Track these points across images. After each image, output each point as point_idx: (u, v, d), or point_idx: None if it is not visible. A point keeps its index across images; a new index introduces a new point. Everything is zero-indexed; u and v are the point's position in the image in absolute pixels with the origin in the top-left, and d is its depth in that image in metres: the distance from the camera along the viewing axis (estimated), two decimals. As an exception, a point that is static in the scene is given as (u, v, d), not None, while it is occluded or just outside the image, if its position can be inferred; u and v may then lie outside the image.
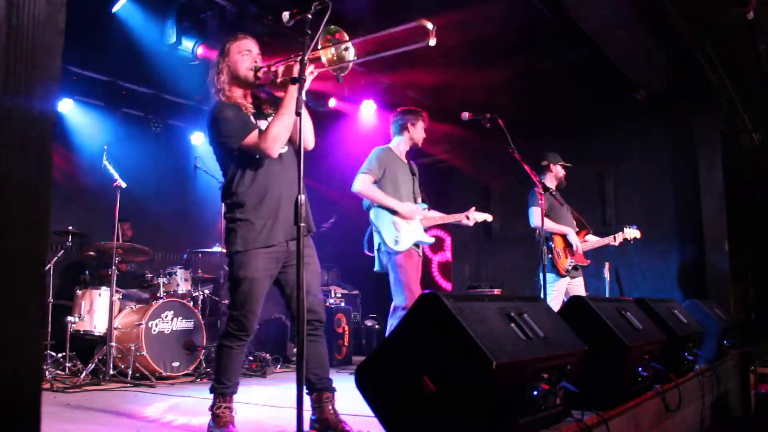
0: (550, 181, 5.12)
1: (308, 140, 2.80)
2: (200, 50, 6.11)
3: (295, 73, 2.54)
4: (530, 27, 6.05)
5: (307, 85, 2.49)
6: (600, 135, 7.48)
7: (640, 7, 5.30)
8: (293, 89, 2.62)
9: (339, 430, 2.73)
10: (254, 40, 2.88)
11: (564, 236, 4.93)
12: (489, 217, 4.42)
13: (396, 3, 5.81)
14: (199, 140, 7.62)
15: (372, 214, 4.18)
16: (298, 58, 2.44)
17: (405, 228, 4.09)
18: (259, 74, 2.80)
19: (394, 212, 4.10)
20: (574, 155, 5.30)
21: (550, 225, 4.83)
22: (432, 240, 4.29)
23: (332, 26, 2.45)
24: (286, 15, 2.42)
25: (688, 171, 7.05)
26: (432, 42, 2.22)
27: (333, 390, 2.84)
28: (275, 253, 2.74)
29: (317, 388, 2.79)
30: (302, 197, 2.19)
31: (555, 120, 7.49)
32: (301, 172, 2.20)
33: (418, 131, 4.36)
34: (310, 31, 2.31)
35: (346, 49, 2.46)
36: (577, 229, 5.08)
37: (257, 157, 2.70)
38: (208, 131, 2.81)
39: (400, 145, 4.37)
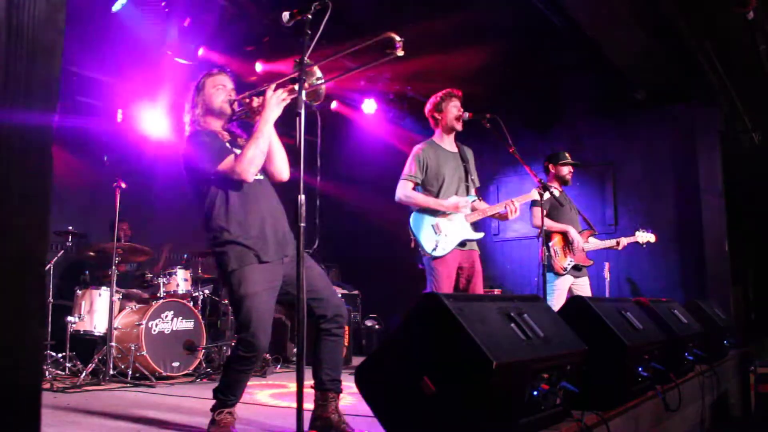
0: (554, 182, 5.08)
1: (282, 170, 2.91)
2: (201, 51, 6.11)
3: (276, 101, 2.67)
4: (530, 27, 6.05)
5: (278, 113, 2.69)
6: (600, 135, 7.48)
7: (640, 7, 5.30)
8: (267, 114, 2.69)
9: (341, 431, 2.74)
10: (228, 76, 2.98)
11: (564, 235, 4.90)
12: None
13: (396, 3, 5.83)
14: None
15: (411, 218, 4.02)
16: (271, 86, 2.66)
17: (448, 229, 3.91)
18: (234, 107, 2.90)
19: (435, 213, 3.93)
20: (575, 155, 5.29)
21: (549, 223, 4.80)
22: (481, 234, 4.03)
23: (306, 60, 2.53)
24: (286, 15, 2.43)
25: (688, 171, 7.05)
26: (400, 53, 2.28)
27: (340, 391, 2.87)
28: (271, 271, 2.75)
29: (326, 388, 2.81)
30: (302, 197, 2.20)
31: (555, 120, 7.49)
32: (302, 174, 2.21)
33: (448, 116, 4.08)
34: (310, 31, 2.32)
35: (319, 79, 2.55)
36: (581, 229, 5.06)
37: (234, 182, 2.73)
38: (184, 159, 2.84)
39: (440, 135, 4.15)
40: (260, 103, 2.77)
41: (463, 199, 3.99)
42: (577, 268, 4.87)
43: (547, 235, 4.83)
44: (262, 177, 2.88)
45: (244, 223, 2.73)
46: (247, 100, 2.84)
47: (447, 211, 3.93)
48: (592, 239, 5.08)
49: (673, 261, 7.05)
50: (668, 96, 6.92)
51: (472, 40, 6.26)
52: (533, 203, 4.76)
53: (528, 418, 2.09)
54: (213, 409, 2.80)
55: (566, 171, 5.13)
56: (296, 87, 2.54)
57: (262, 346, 2.70)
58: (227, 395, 2.77)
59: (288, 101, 2.69)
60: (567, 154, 5.16)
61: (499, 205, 4.00)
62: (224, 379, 2.80)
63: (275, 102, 2.68)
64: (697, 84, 6.60)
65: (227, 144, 2.84)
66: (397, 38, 2.25)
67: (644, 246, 5.11)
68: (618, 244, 5.01)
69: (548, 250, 4.83)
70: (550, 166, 5.11)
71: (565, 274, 4.81)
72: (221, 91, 2.91)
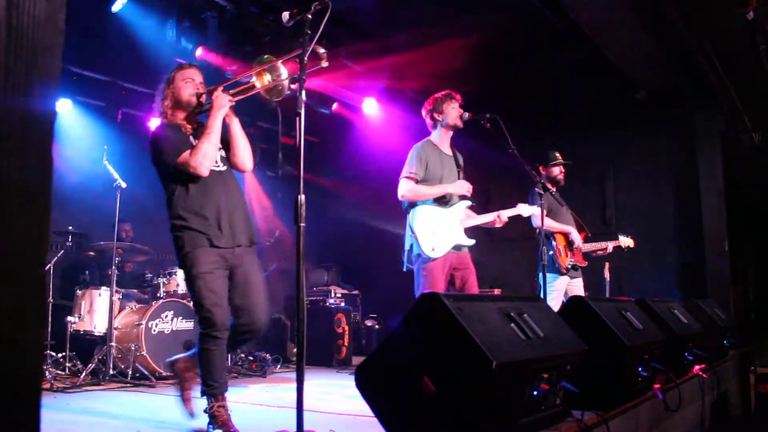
0: (547, 183, 5.09)
1: (245, 161, 3.08)
2: (199, 51, 6.12)
3: (223, 100, 2.90)
4: (530, 27, 6.05)
5: (225, 110, 2.90)
6: (600, 135, 7.48)
7: (640, 7, 5.30)
8: (215, 111, 2.89)
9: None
10: (198, 70, 3.13)
11: (565, 235, 4.91)
12: (522, 212, 4.13)
13: (397, 4, 5.82)
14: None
15: (410, 216, 3.99)
16: (219, 87, 2.92)
17: (444, 232, 3.91)
18: (202, 99, 3.05)
19: (433, 215, 3.93)
20: (575, 155, 5.29)
21: (551, 224, 4.81)
22: (472, 241, 4.03)
23: (265, 56, 2.80)
24: (286, 15, 2.43)
25: (688, 171, 7.05)
26: (324, 64, 2.49)
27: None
28: (222, 255, 2.90)
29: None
30: (302, 197, 2.21)
31: (555, 120, 7.49)
32: (301, 172, 2.21)
33: (449, 115, 4.05)
34: (310, 31, 2.32)
35: (279, 75, 2.80)
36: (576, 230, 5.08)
37: (191, 174, 2.89)
38: (150, 151, 2.99)
39: (438, 136, 4.13)
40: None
41: (460, 218, 3.99)
42: (574, 269, 4.90)
43: (549, 235, 4.83)
44: (224, 168, 3.04)
45: (199, 211, 2.90)
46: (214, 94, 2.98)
47: (455, 193, 3.93)
48: (587, 242, 5.11)
49: (673, 261, 7.05)
50: (668, 96, 6.91)
51: (472, 40, 6.26)
52: (533, 203, 4.76)
53: (528, 418, 2.09)
54: (206, 409, 2.86)
55: (557, 171, 5.11)
56: (253, 85, 2.84)
57: (219, 321, 2.82)
58: (209, 384, 2.85)
59: (234, 101, 2.92)
60: (557, 154, 5.15)
61: (488, 215, 4.05)
62: (201, 370, 2.90)
63: (221, 101, 2.89)
64: (697, 84, 6.60)
65: (190, 137, 3.01)
66: (322, 50, 2.44)
67: (625, 250, 5.14)
68: (606, 248, 5.05)
69: (552, 249, 4.83)
70: (541, 168, 5.11)
71: (565, 274, 4.82)
72: (189, 84, 3.04)
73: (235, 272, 2.95)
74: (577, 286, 4.94)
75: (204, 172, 2.87)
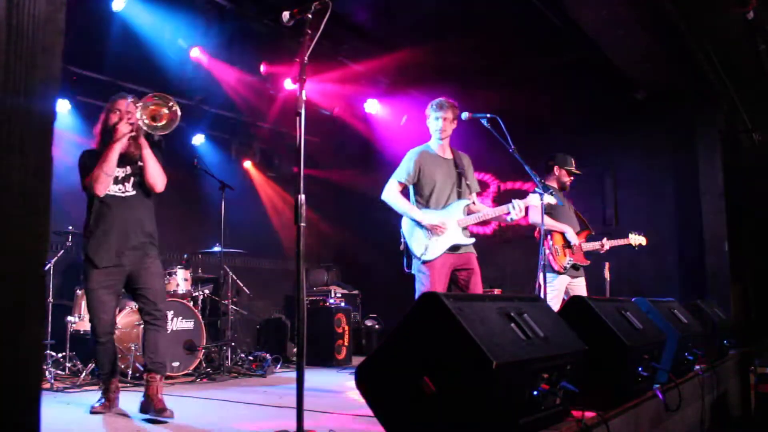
0: (552, 183, 5.07)
1: (157, 182, 3.55)
2: (196, 51, 6.12)
3: (121, 132, 3.44)
4: (530, 27, 6.05)
5: (124, 140, 3.43)
6: (600, 135, 7.48)
7: (640, 7, 5.30)
8: (117, 136, 3.41)
9: (156, 405, 3.32)
10: (125, 100, 3.58)
11: (563, 234, 4.90)
12: (535, 201, 4.03)
13: (397, 5, 5.82)
14: (199, 140, 7.62)
15: (402, 219, 4.02)
16: (123, 120, 3.46)
17: (438, 234, 3.89)
18: (117, 127, 3.47)
19: (428, 215, 3.92)
20: (575, 155, 5.29)
21: (549, 222, 4.79)
22: (472, 240, 4.00)
23: (156, 96, 3.41)
24: (286, 15, 2.43)
25: (688, 171, 7.04)
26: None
27: (162, 372, 3.52)
28: (109, 273, 3.44)
29: (147, 369, 3.45)
30: (302, 197, 2.21)
31: (555, 120, 7.49)
32: (302, 172, 2.21)
33: (431, 122, 4.12)
34: (310, 31, 2.32)
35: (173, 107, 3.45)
36: (578, 229, 5.06)
37: (101, 197, 3.43)
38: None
39: (433, 141, 4.16)
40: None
41: (442, 220, 3.92)
42: (575, 268, 4.87)
43: (547, 234, 4.82)
44: (132, 193, 3.55)
45: (94, 232, 3.44)
46: (133, 122, 3.44)
47: (426, 225, 3.89)
48: (584, 244, 5.09)
49: (673, 261, 7.04)
50: (668, 96, 6.91)
51: (471, 40, 6.26)
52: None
53: (528, 418, 2.09)
54: (101, 389, 3.57)
55: (568, 180, 5.12)
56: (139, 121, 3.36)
57: (98, 331, 3.45)
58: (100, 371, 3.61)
59: (128, 134, 3.42)
60: (573, 161, 5.16)
61: (503, 207, 3.96)
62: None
63: (122, 129, 3.42)
64: (697, 84, 6.60)
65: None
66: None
67: (636, 248, 5.12)
68: (602, 246, 5.02)
69: (549, 249, 4.82)
70: (556, 168, 5.07)
71: (564, 274, 4.80)
72: (116, 114, 3.53)
73: (131, 277, 3.49)
74: (579, 286, 4.92)
75: (99, 193, 3.40)
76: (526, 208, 4.60)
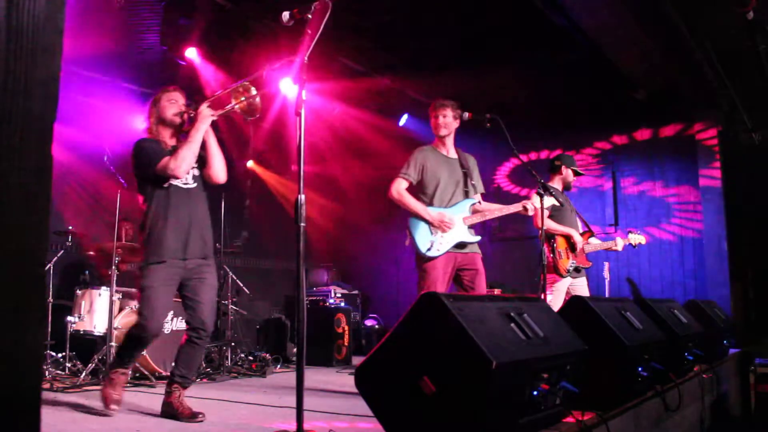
0: (558, 182, 5.08)
1: (219, 172, 3.37)
2: (193, 51, 6.13)
3: (203, 115, 3.24)
4: (530, 27, 6.05)
5: (208, 123, 3.23)
6: (600, 134, 7.48)
7: (639, 7, 5.30)
8: (198, 125, 3.22)
9: (180, 413, 3.18)
10: (182, 93, 3.44)
11: (566, 237, 4.90)
12: (535, 203, 4.06)
13: (396, 4, 5.82)
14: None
15: (409, 217, 4.05)
16: (204, 103, 3.27)
17: (444, 231, 3.92)
18: (184, 118, 3.37)
19: (435, 212, 3.94)
20: (575, 155, 5.29)
21: (552, 226, 4.80)
22: (478, 238, 4.03)
23: (244, 83, 3.20)
24: (286, 15, 2.43)
25: (688, 171, 7.05)
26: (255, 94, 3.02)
27: (186, 386, 3.33)
28: (173, 268, 3.23)
29: (173, 379, 3.30)
30: (302, 197, 2.21)
31: (555, 120, 7.49)
32: (302, 172, 2.21)
33: (433, 120, 4.15)
34: (310, 31, 2.32)
35: (254, 97, 3.19)
36: (581, 231, 5.06)
37: (164, 187, 3.24)
38: (131, 160, 3.33)
39: (438, 141, 4.19)
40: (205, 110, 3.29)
41: (450, 216, 3.96)
42: (577, 270, 4.87)
43: (550, 237, 4.83)
44: (193, 186, 3.35)
45: (156, 224, 3.23)
46: (193, 114, 3.31)
47: (433, 222, 3.93)
48: (592, 240, 5.08)
49: (673, 261, 7.05)
50: (668, 96, 6.91)
51: (472, 39, 6.26)
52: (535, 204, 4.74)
53: (528, 418, 2.09)
54: (109, 368, 3.38)
55: (572, 179, 5.14)
56: (237, 108, 3.22)
57: (150, 331, 3.21)
58: (121, 356, 3.37)
59: (216, 116, 3.25)
60: (576, 162, 5.20)
61: (515, 205, 4.04)
62: (121, 349, 3.38)
63: (205, 114, 3.22)
64: (697, 84, 6.60)
65: (167, 150, 3.30)
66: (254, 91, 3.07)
67: (635, 247, 5.13)
68: (616, 244, 5.02)
69: (552, 252, 4.82)
70: (563, 167, 5.08)
71: (566, 276, 4.80)
72: (174, 104, 3.37)
73: (187, 283, 3.28)
74: (581, 287, 4.91)
75: (181, 174, 3.20)
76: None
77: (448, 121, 4.09)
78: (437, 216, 3.94)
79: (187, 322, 3.35)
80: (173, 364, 3.41)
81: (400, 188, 4.04)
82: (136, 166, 3.30)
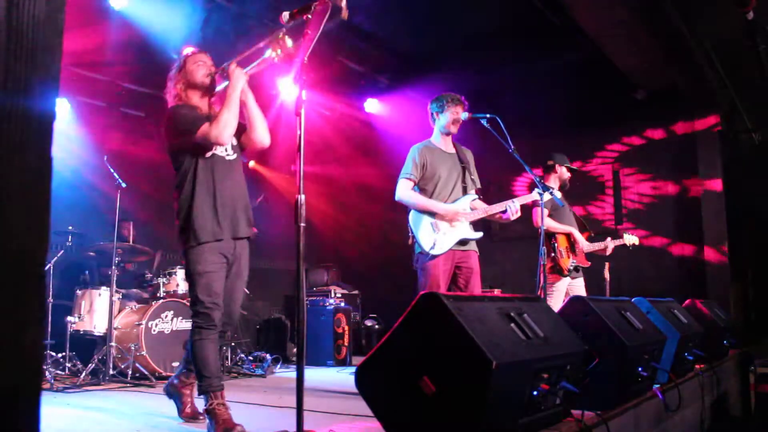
0: (554, 182, 5.07)
1: (263, 137, 3.07)
2: (191, 51, 6.11)
3: (236, 78, 2.89)
4: (530, 27, 6.05)
5: (243, 83, 2.89)
6: (600, 135, 7.48)
7: (640, 7, 5.30)
8: (233, 83, 2.87)
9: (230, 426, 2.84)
10: (207, 55, 3.15)
11: (567, 236, 4.91)
12: (535, 197, 4.06)
13: (396, 3, 5.82)
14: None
15: (410, 215, 4.02)
16: (233, 63, 2.92)
17: (447, 228, 3.90)
18: (214, 79, 3.07)
19: (434, 213, 3.94)
20: (575, 155, 5.30)
21: (552, 225, 4.81)
22: (480, 234, 4.00)
23: (278, 34, 2.77)
24: (285, 15, 2.43)
25: (688, 171, 7.05)
26: (345, 15, 2.43)
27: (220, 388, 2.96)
28: (224, 249, 2.93)
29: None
30: (302, 197, 2.21)
31: (555, 120, 7.49)
32: (302, 171, 2.21)
33: (442, 119, 4.10)
34: (310, 31, 2.32)
35: (287, 46, 2.74)
36: (578, 230, 5.07)
37: (207, 157, 2.92)
38: (165, 131, 3.00)
39: (437, 136, 4.16)
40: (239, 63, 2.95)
41: (463, 206, 3.98)
42: (576, 270, 4.88)
43: (551, 236, 4.84)
44: (233, 156, 3.05)
45: (207, 200, 2.90)
46: (227, 69, 2.97)
47: (445, 216, 3.91)
48: (585, 241, 5.10)
49: (673, 261, 7.05)
50: (668, 96, 6.92)
51: (472, 39, 6.26)
52: (535, 203, 4.75)
53: (528, 418, 2.09)
54: (205, 408, 2.87)
55: (567, 176, 5.13)
56: (267, 56, 2.83)
57: (216, 317, 2.87)
58: (204, 377, 2.87)
59: (249, 73, 2.92)
60: (567, 160, 5.18)
61: (499, 205, 3.98)
62: (195, 363, 2.92)
63: (238, 74, 2.88)
64: (697, 84, 6.61)
65: (205, 116, 2.97)
66: (341, 3, 2.41)
67: (631, 248, 5.15)
68: (606, 248, 5.05)
69: (553, 251, 4.83)
70: (556, 166, 5.08)
71: (566, 276, 4.80)
72: (201, 66, 3.06)
73: (231, 268, 2.99)
74: (578, 286, 4.93)
75: (225, 140, 2.87)
76: (533, 209, 4.62)
77: (461, 117, 4.06)
78: (451, 209, 3.92)
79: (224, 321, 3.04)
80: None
81: (406, 189, 4.00)
82: (173, 135, 2.95)
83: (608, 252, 5.09)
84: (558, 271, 4.79)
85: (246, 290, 6.36)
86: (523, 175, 7.85)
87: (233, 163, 3.04)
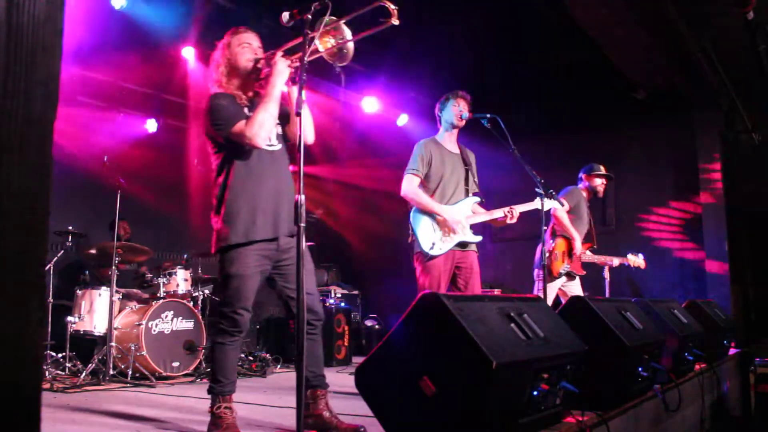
0: (585, 192, 5.28)
1: (307, 131, 2.78)
2: (190, 50, 6.13)
3: (279, 69, 2.65)
4: (530, 27, 6.05)
5: (285, 77, 2.65)
6: (600, 135, 7.47)
7: (639, 7, 5.30)
8: (274, 78, 2.66)
9: (334, 426, 2.76)
10: (255, 34, 2.89)
11: (568, 240, 4.95)
12: (536, 205, 4.05)
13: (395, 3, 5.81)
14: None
15: (412, 213, 3.99)
16: (279, 52, 2.66)
17: (446, 230, 3.89)
18: (260, 65, 2.80)
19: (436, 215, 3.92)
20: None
21: (566, 222, 4.90)
22: (479, 238, 3.98)
23: (327, 18, 2.51)
24: (285, 15, 2.43)
25: (688, 171, 7.05)
26: (395, 21, 2.34)
27: (326, 386, 2.89)
28: (263, 250, 2.75)
29: (312, 385, 2.82)
30: (302, 197, 2.21)
31: (555, 120, 7.48)
32: (302, 171, 2.21)
33: (447, 114, 4.07)
34: (309, 32, 2.32)
35: (343, 38, 2.56)
36: (583, 240, 5.13)
37: (246, 149, 2.71)
38: (203, 120, 2.82)
39: (442, 134, 4.12)
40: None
41: (465, 211, 3.96)
42: (569, 275, 4.92)
43: (553, 237, 4.90)
44: (278, 147, 2.85)
45: (247, 197, 2.72)
46: (273, 59, 2.74)
47: (448, 220, 3.88)
48: (589, 252, 5.15)
49: (673, 261, 7.05)
50: (668, 96, 6.92)
51: (472, 40, 6.26)
52: (567, 200, 4.88)
53: (528, 418, 2.09)
54: (211, 408, 2.80)
55: (599, 182, 5.25)
56: (321, 49, 2.59)
57: (242, 323, 2.75)
58: (219, 380, 2.79)
59: (294, 67, 2.67)
60: (601, 167, 5.26)
61: (498, 211, 3.98)
62: (213, 364, 2.85)
63: (281, 66, 2.65)
64: (697, 84, 6.60)
65: (245, 108, 2.80)
66: (391, 6, 2.28)
67: (633, 269, 5.22)
68: (612, 261, 5.15)
69: (549, 252, 4.86)
70: (584, 176, 5.23)
71: (557, 278, 4.88)
72: (246, 49, 2.84)
73: (281, 266, 2.83)
74: (575, 287, 4.95)
75: (260, 143, 2.66)
76: (552, 209, 4.65)
77: (466, 112, 4.02)
78: (454, 217, 3.88)
79: (291, 316, 2.88)
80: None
81: (412, 185, 3.95)
82: (209, 125, 2.76)
83: (612, 266, 5.20)
84: (549, 273, 4.83)
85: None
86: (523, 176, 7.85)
87: (277, 154, 2.84)
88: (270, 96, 2.66)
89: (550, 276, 4.83)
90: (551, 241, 4.98)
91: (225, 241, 2.71)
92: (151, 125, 7.25)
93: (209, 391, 2.81)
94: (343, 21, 2.53)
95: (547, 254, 4.85)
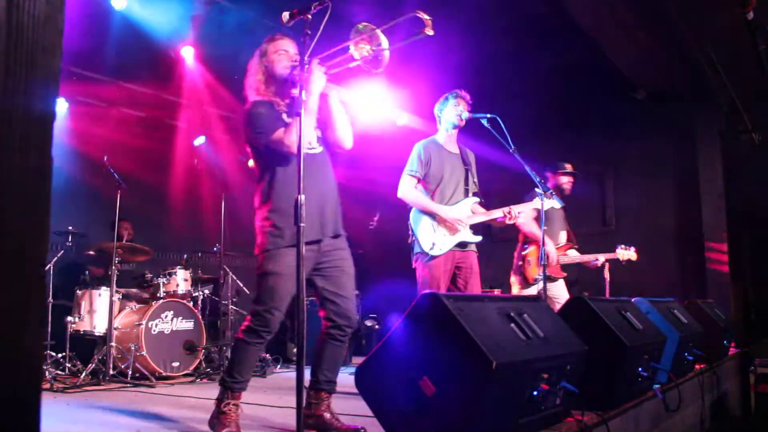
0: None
1: (344, 138, 2.91)
2: (190, 50, 6.13)
3: (316, 79, 2.64)
4: (530, 27, 6.05)
5: (321, 86, 2.66)
6: (600, 135, 7.47)
7: (640, 7, 5.30)
8: (311, 86, 2.64)
9: (335, 428, 2.79)
10: (292, 41, 2.91)
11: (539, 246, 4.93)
12: (536, 205, 4.06)
13: (392, 2, 5.81)
14: (200, 141, 7.62)
15: (411, 214, 3.99)
16: (315, 59, 2.64)
17: (446, 230, 3.89)
18: (296, 72, 2.76)
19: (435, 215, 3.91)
20: (574, 156, 5.30)
21: (534, 229, 4.77)
22: (478, 238, 3.99)
23: (361, 25, 2.58)
24: (286, 15, 2.43)
25: (688, 171, 7.05)
26: (429, 32, 2.35)
27: (333, 392, 2.94)
28: (305, 251, 2.71)
29: (320, 387, 2.86)
30: (301, 197, 2.21)
31: (555, 120, 7.48)
32: (301, 174, 2.21)
33: (446, 114, 4.07)
34: (309, 32, 2.32)
35: (379, 45, 2.58)
36: (561, 242, 5.05)
37: (284, 156, 2.73)
38: (243, 129, 2.85)
39: (442, 134, 4.12)
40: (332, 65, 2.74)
41: (464, 211, 3.96)
42: (549, 279, 4.86)
43: (526, 242, 4.86)
44: (319, 150, 2.87)
45: (286, 202, 2.70)
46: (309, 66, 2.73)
47: (448, 221, 3.89)
48: (572, 252, 5.07)
49: (673, 261, 7.04)
50: (668, 96, 6.92)
51: (472, 39, 6.26)
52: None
53: (528, 418, 2.09)
54: (218, 400, 2.78)
55: (565, 180, 5.10)
56: (357, 56, 2.62)
57: (273, 324, 2.74)
58: (233, 376, 2.76)
59: (330, 72, 2.71)
60: (567, 165, 5.14)
61: (497, 211, 3.98)
62: (231, 359, 2.83)
63: (317, 75, 2.65)
64: (697, 84, 6.60)
65: (283, 114, 2.83)
66: (425, 17, 2.29)
67: (624, 264, 5.10)
68: (597, 259, 5.03)
69: (522, 259, 4.84)
70: (549, 175, 5.09)
71: (532, 285, 4.83)
72: (283, 56, 2.86)
73: (322, 268, 2.84)
74: (556, 288, 4.88)
75: (295, 148, 2.60)
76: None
77: (465, 112, 4.02)
78: (454, 216, 3.88)
79: (328, 319, 2.91)
80: (314, 368, 2.93)
81: (410, 187, 3.96)
82: (249, 133, 2.79)
83: (599, 265, 5.08)
84: (523, 278, 4.83)
85: (246, 290, 6.39)
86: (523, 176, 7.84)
87: (318, 157, 2.85)
88: (306, 104, 2.61)
89: (525, 283, 4.82)
90: (526, 246, 4.95)
91: (273, 245, 2.73)
92: (151, 125, 7.25)
93: (220, 382, 2.80)
94: (380, 29, 2.56)
95: (520, 262, 4.86)
